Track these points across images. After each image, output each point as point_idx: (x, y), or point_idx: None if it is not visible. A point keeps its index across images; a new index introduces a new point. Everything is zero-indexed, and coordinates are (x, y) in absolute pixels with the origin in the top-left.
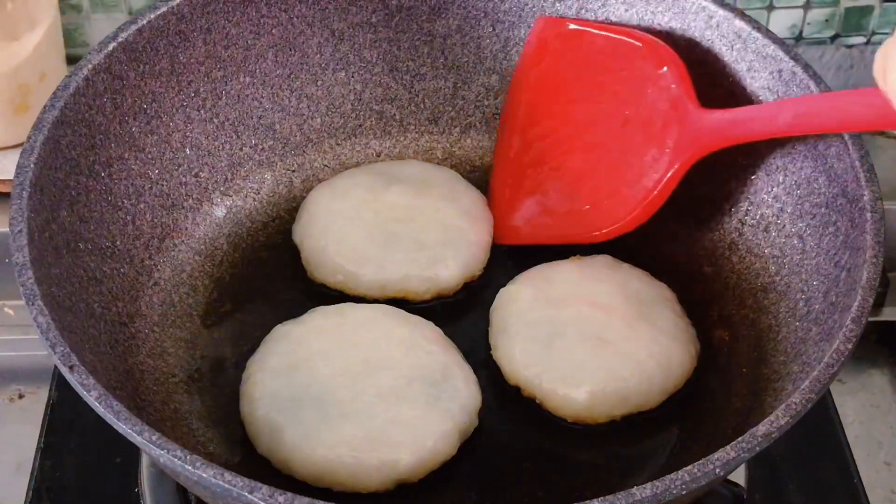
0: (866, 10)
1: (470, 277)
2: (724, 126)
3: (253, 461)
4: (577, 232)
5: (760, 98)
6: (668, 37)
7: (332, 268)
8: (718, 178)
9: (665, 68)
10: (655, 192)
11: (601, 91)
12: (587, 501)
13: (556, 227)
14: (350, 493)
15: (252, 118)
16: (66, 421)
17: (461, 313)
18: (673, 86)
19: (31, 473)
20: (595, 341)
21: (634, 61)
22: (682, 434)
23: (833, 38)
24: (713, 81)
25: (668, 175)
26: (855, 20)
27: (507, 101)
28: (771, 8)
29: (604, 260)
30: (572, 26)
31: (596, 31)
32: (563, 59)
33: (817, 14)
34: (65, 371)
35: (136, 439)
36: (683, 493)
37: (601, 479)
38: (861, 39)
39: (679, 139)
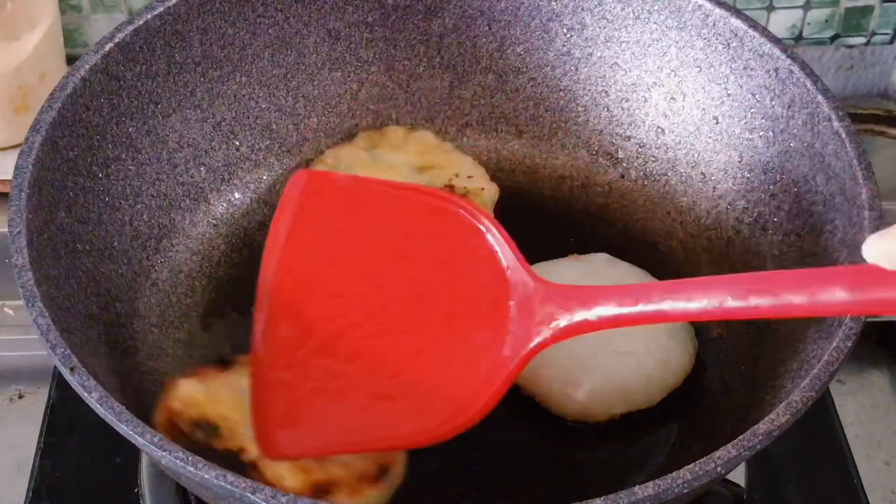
0: (866, 10)
1: None
2: (582, 302)
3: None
4: (391, 434)
5: (756, 97)
6: (664, 36)
7: None
8: (716, 176)
9: (484, 231)
10: (497, 386)
11: (405, 258)
12: (588, 501)
13: (361, 431)
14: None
15: (249, 118)
16: (66, 421)
17: None
18: (497, 253)
19: (31, 473)
20: (594, 340)
21: (441, 224)
22: (681, 433)
23: (833, 39)
24: (710, 81)
25: (512, 367)
26: (855, 20)
27: (262, 275)
28: (770, 8)
29: (602, 258)
30: (343, 182)
31: (382, 189)
32: (343, 218)
33: (817, 14)
34: (65, 373)
35: (138, 441)
36: (685, 491)
37: (601, 478)
38: (861, 40)
39: (520, 322)
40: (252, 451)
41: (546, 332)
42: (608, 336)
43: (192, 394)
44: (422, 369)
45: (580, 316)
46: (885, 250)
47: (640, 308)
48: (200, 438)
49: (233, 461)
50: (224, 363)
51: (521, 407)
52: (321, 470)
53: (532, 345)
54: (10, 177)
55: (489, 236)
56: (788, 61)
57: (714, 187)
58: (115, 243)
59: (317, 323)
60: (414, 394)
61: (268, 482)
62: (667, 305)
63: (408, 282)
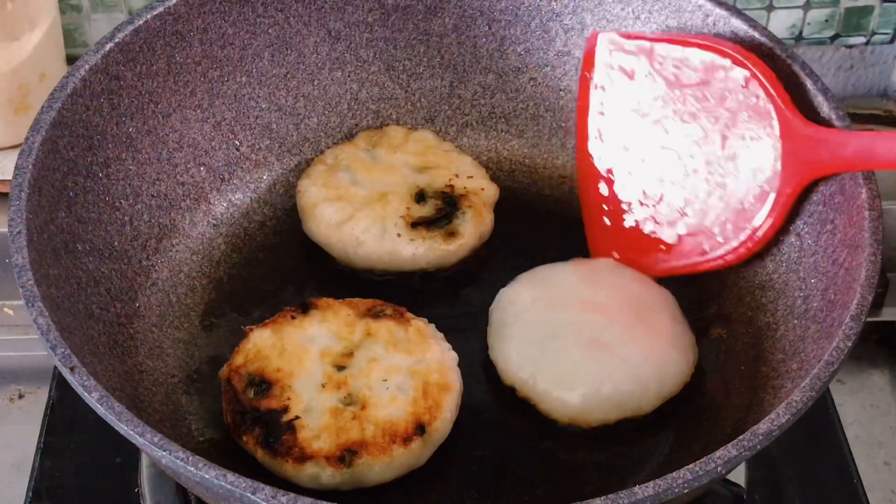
0: (866, 10)
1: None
2: (846, 150)
3: (253, 461)
4: (689, 261)
5: None
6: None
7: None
8: None
9: (750, 77)
10: (771, 219)
11: (686, 107)
12: (588, 501)
13: (668, 258)
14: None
15: (249, 118)
16: (66, 421)
17: (461, 310)
18: (763, 95)
19: (31, 473)
20: (592, 345)
21: (716, 72)
22: (681, 432)
23: (833, 38)
24: None
25: (785, 195)
26: (855, 20)
27: (579, 133)
28: (771, 8)
29: (605, 263)
30: (633, 42)
31: (664, 43)
32: (634, 77)
33: (817, 14)
34: (66, 372)
35: (138, 440)
36: (685, 491)
37: (601, 479)
38: (861, 39)
39: (787, 156)
40: (293, 411)
41: (805, 173)
42: (606, 341)
43: (259, 345)
44: (713, 202)
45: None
46: None
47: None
48: (251, 397)
49: (273, 422)
50: (304, 308)
51: (520, 409)
52: (350, 431)
53: (796, 182)
54: (10, 177)
55: (755, 82)
56: (789, 61)
57: None
58: (115, 243)
59: (626, 168)
60: (706, 223)
61: (299, 444)
62: None
63: (694, 127)
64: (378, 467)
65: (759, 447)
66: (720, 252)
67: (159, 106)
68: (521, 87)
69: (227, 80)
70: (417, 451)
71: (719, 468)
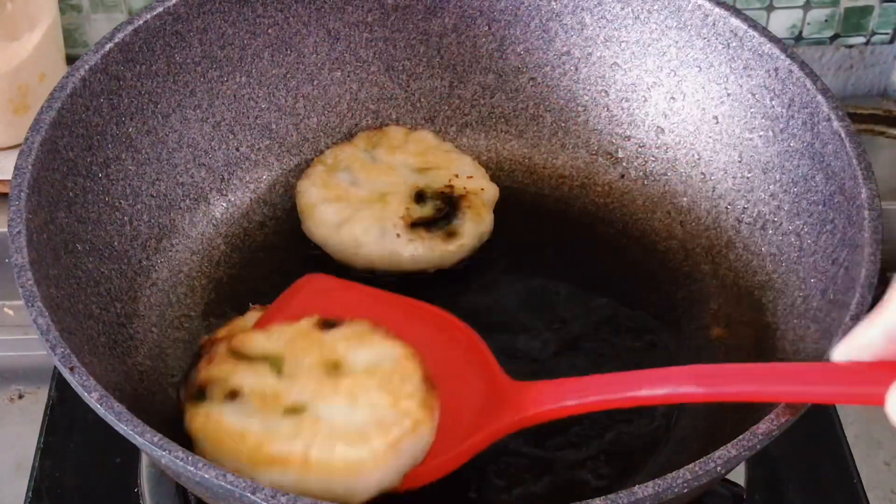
0: (866, 10)
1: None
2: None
3: None
4: None
5: (756, 96)
6: (664, 35)
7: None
8: (716, 176)
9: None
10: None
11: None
12: (588, 500)
13: None
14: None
15: (248, 118)
16: (66, 421)
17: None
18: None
19: (31, 473)
20: None
21: (439, 329)
22: (680, 432)
23: (833, 39)
24: (710, 81)
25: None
26: (855, 20)
27: None
28: (770, 8)
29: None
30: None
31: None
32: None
33: (817, 14)
34: (65, 373)
35: (138, 440)
36: (685, 491)
37: (600, 478)
38: (861, 39)
39: (495, 409)
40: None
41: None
42: None
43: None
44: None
45: (546, 407)
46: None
47: (598, 398)
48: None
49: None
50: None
51: None
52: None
53: (498, 427)
54: (10, 177)
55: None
56: (788, 61)
57: (714, 187)
58: (115, 243)
59: None
60: None
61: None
62: (620, 395)
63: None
64: None
65: (758, 447)
66: None
67: (159, 106)
68: (521, 87)
69: (227, 80)
70: None
71: (719, 468)
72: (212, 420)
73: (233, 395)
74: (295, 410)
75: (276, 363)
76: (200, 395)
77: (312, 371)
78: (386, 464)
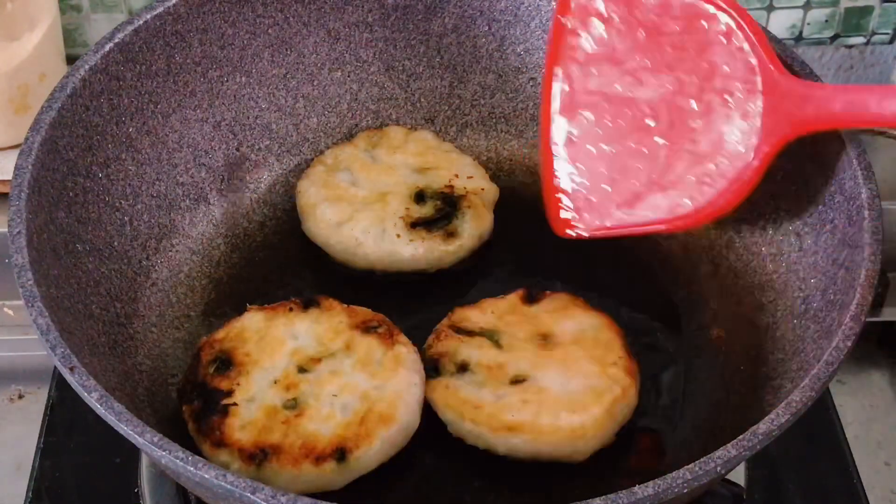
0: (866, 10)
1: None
2: (833, 105)
3: None
4: (667, 218)
5: None
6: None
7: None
8: None
9: (734, 27)
10: (750, 173)
11: (664, 58)
12: (588, 500)
13: (640, 215)
14: (353, 491)
15: (248, 118)
16: (66, 421)
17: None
18: (747, 47)
19: (31, 473)
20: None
21: (697, 21)
22: (680, 432)
23: (833, 39)
24: None
25: (763, 153)
26: (855, 20)
27: (545, 82)
28: (771, 8)
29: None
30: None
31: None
32: (608, 23)
33: (817, 14)
34: (65, 373)
35: (138, 440)
36: (685, 491)
37: (600, 478)
38: (861, 39)
39: (768, 112)
40: (236, 397)
41: (787, 129)
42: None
43: (246, 326)
44: (687, 156)
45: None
46: None
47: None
48: (209, 372)
49: (213, 400)
50: (307, 303)
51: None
52: (273, 433)
53: (777, 139)
54: (10, 177)
55: (739, 33)
56: (788, 61)
57: None
58: (115, 243)
59: (595, 118)
60: (681, 178)
61: (222, 429)
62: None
63: (669, 78)
64: (285, 477)
65: (758, 447)
66: (687, 210)
67: (159, 106)
68: (521, 87)
69: (227, 80)
70: (330, 474)
71: (719, 468)
72: (451, 391)
73: (463, 367)
74: (519, 380)
75: (493, 337)
76: (434, 369)
77: (527, 343)
78: (604, 427)
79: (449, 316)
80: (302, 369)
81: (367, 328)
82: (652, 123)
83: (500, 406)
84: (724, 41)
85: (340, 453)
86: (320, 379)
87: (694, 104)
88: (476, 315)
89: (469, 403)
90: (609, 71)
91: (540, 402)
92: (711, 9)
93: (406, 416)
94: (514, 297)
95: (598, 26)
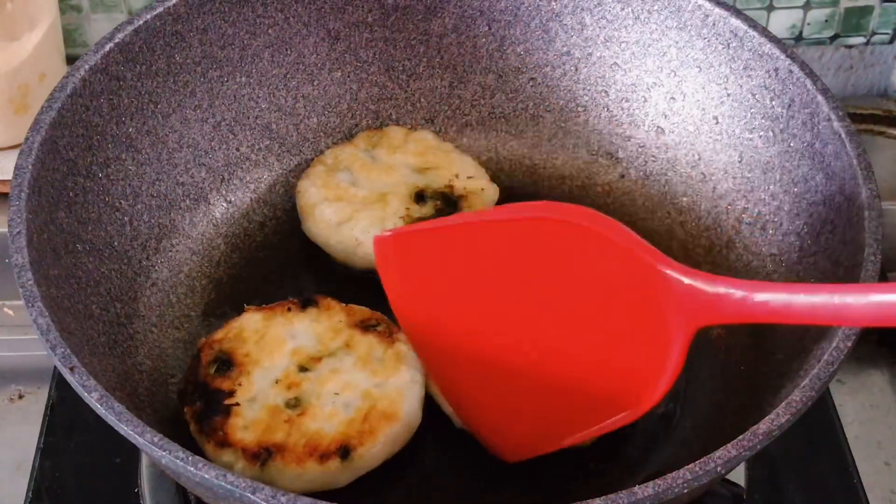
0: (866, 10)
1: None
2: (735, 301)
3: None
4: (593, 424)
5: (756, 97)
6: (664, 35)
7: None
8: (716, 176)
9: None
10: (670, 366)
11: (526, 279)
12: (588, 501)
13: (566, 428)
14: (355, 489)
15: (248, 118)
16: (66, 421)
17: None
18: (636, 262)
19: (31, 473)
20: None
21: (561, 245)
22: (680, 432)
23: (833, 39)
24: (710, 81)
25: (675, 347)
26: (855, 20)
27: (411, 332)
28: (770, 8)
29: None
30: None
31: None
32: (448, 266)
33: (817, 14)
34: (65, 373)
35: (138, 440)
36: (685, 491)
37: (600, 478)
38: (861, 40)
39: (673, 311)
40: (237, 397)
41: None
42: None
43: (244, 327)
44: (586, 370)
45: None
46: None
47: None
48: (209, 372)
49: (215, 401)
50: (305, 303)
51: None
52: (277, 432)
53: (692, 329)
54: (10, 177)
55: (617, 239)
56: (788, 61)
57: (714, 187)
58: (115, 243)
59: (488, 355)
60: (589, 392)
61: (225, 429)
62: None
63: (540, 299)
64: (289, 476)
65: (758, 447)
66: (611, 420)
67: (159, 106)
68: (521, 87)
69: (227, 80)
70: (334, 472)
71: (719, 468)
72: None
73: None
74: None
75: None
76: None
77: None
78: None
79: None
80: (303, 368)
81: (366, 327)
82: (545, 351)
83: None
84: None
85: (344, 451)
86: (321, 377)
87: (587, 323)
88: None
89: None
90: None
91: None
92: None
93: (408, 413)
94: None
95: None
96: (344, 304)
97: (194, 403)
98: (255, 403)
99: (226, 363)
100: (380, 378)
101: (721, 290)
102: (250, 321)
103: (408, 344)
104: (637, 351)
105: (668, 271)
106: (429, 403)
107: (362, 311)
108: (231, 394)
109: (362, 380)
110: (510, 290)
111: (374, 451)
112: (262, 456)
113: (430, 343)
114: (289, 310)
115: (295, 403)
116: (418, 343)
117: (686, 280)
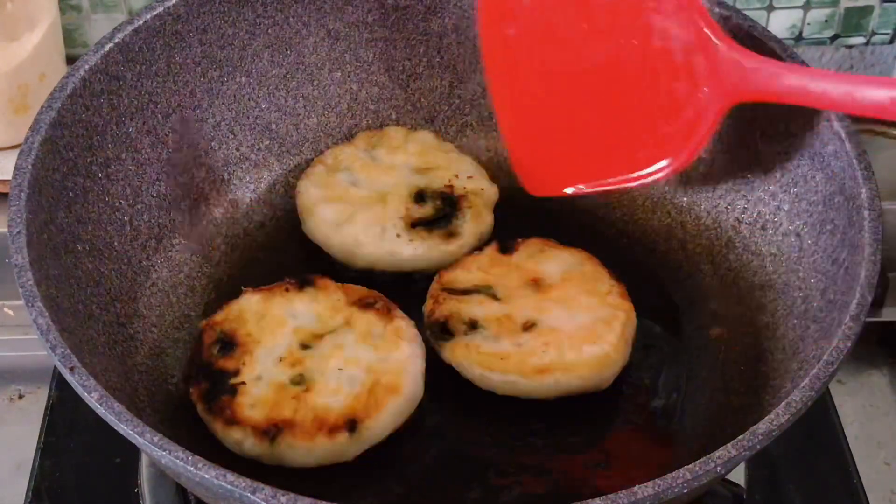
0: (866, 10)
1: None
2: (767, 77)
3: (252, 461)
4: (622, 175)
5: None
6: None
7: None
8: (715, 175)
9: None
10: (701, 130)
11: (603, 23)
12: (588, 500)
13: (596, 171)
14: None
15: (248, 118)
16: (66, 421)
17: None
18: (684, 13)
19: (31, 473)
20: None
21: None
22: (680, 432)
23: (833, 39)
24: None
25: (709, 113)
26: (855, 20)
27: (485, 47)
28: (771, 8)
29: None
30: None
31: None
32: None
33: (817, 14)
34: (65, 373)
35: (138, 440)
36: (685, 491)
37: (601, 478)
38: (861, 39)
39: (710, 74)
40: (242, 376)
41: (731, 95)
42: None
43: (244, 308)
44: (637, 115)
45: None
46: None
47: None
48: (213, 353)
49: (221, 380)
50: (302, 283)
51: (518, 407)
52: (284, 409)
53: (720, 105)
54: (10, 177)
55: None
56: (788, 61)
57: (714, 187)
58: (115, 243)
59: (541, 83)
60: (633, 136)
61: (233, 407)
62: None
63: (610, 41)
64: (299, 450)
65: (758, 447)
66: (641, 172)
67: (159, 106)
68: None
69: (227, 80)
70: (343, 445)
71: (719, 468)
72: (472, 348)
73: (472, 325)
74: (529, 326)
75: (489, 291)
76: (444, 331)
77: (522, 291)
78: (623, 351)
79: (437, 280)
80: (305, 345)
81: (364, 304)
82: (598, 87)
83: (524, 352)
84: (665, 11)
85: (352, 424)
86: (324, 354)
87: (635, 66)
88: (463, 274)
89: (495, 356)
90: (544, 43)
91: (559, 342)
92: None
93: (412, 386)
94: (490, 251)
95: None
96: (340, 284)
97: (201, 383)
98: (260, 381)
99: (228, 344)
100: (382, 353)
101: (755, 64)
102: (249, 302)
103: (405, 319)
104: (675, 112)
105: (713, 38)
106: (430, 378)
107: (359, 290)
108: (236, 373)
109: (365, 355)
110: (579, 25)
111: (381, 423)
112: (271, 432)
113: (501, 62)
114: (287, 290)
115: (300, 380)
116: (490, 59)
117: (725, 49)
